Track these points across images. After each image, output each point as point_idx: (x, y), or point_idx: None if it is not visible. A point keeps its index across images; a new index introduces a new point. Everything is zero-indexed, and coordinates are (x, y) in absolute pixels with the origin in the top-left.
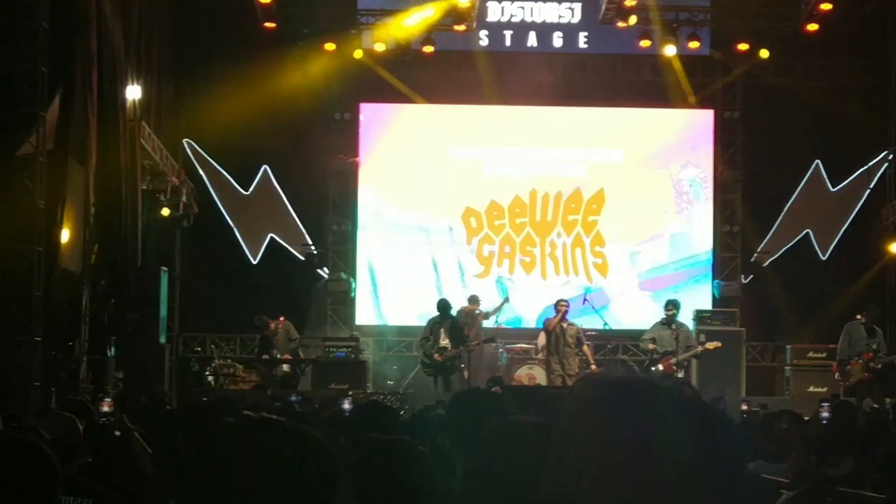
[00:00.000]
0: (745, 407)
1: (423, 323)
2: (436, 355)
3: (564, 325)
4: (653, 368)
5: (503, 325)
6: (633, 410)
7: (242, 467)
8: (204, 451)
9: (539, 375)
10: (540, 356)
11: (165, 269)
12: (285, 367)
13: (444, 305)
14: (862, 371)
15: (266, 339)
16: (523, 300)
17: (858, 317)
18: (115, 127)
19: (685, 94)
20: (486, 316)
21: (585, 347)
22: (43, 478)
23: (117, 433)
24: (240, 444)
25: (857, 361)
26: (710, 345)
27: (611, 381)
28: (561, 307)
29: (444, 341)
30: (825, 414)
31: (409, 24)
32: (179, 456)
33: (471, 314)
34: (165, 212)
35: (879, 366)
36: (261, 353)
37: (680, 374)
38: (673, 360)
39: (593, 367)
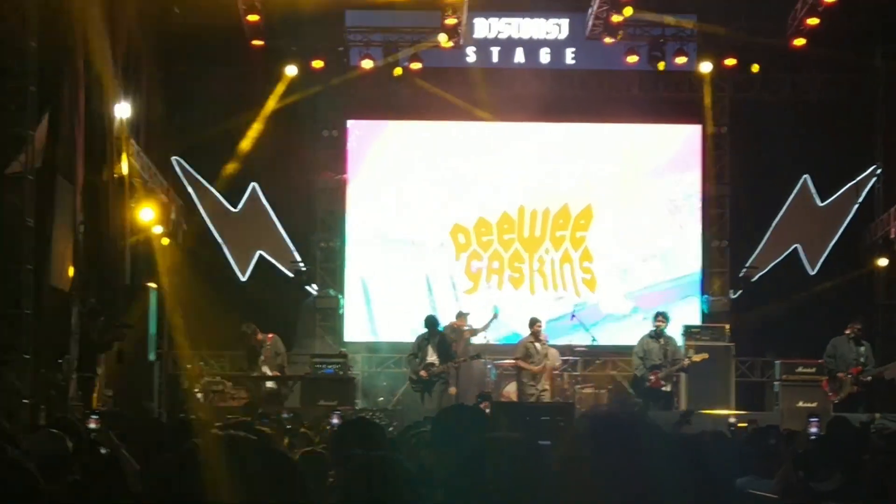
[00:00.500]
0: (732, 420)
1: (414, 339)
2: (422, 371)
3: (538, 345)
4: (646, 383)
5: (492, 342)
6: (626, 444)
7: (212, 483)
8: (178, 467)
9: None
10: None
11: (154, 286)
12: (269, 383)
13: (431, 322)
14: (851, 385)
15: (252, 349)
16: (513, 316)
17: (847, 331)
18: (103, 145)
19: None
20: (475, 332)
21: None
22: (26, 495)
23: (104, 451)
24: (210, 460)
25: (845, 375)
26: (697, 357)
27: (608, 415)
28: (536, 328)
29: (432, 357)
30: (814, 429)
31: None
32: (155, 474)
33: (458, 330)
34: (154, 230)
35: (868, 378)
36: (250, 366)
37: (667, 388)
38: (661, 375)
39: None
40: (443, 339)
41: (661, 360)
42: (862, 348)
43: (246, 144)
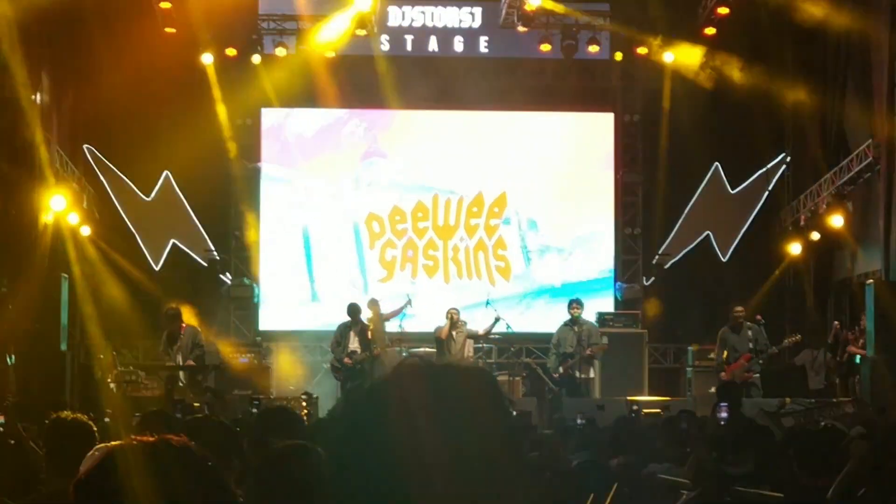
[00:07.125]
0: (646, 410)
1: (329, 328)
2: (346, 359)
3: (454, 332)
4: (555, 373)
5: (407, 331)
6: (433, 396)
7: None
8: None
9: None
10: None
11: (66, 275)
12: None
13: (354, 309)
14: (743, 372)
15: (172, 334)
16: (426, 304)
17: (736, 310)
18: (13, 133)
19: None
20: (388, 318)
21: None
22: None
23: (12, 442)
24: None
25: (737, 363)
26: (597, 348)
27: (410, 369)
28: (451, 315)
29: (354, 345)
30: (723, 414)
31: (326, 37)
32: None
33: (377, 317)
34: (67, 219)
35: (756, 371)
36: (166, 349)
37: (585, 375)
38: (569, 364)
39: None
40: (365, 327)
41: (573, 347)
42: (749, 332)
43: (159, 133)
